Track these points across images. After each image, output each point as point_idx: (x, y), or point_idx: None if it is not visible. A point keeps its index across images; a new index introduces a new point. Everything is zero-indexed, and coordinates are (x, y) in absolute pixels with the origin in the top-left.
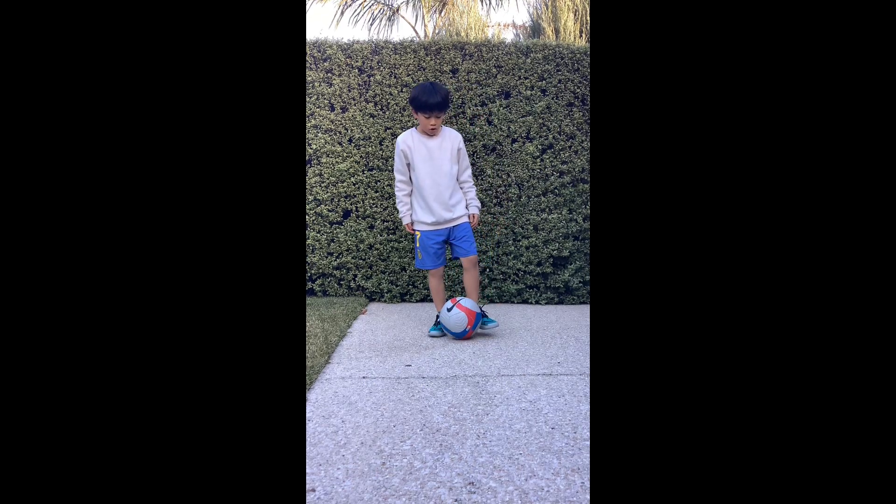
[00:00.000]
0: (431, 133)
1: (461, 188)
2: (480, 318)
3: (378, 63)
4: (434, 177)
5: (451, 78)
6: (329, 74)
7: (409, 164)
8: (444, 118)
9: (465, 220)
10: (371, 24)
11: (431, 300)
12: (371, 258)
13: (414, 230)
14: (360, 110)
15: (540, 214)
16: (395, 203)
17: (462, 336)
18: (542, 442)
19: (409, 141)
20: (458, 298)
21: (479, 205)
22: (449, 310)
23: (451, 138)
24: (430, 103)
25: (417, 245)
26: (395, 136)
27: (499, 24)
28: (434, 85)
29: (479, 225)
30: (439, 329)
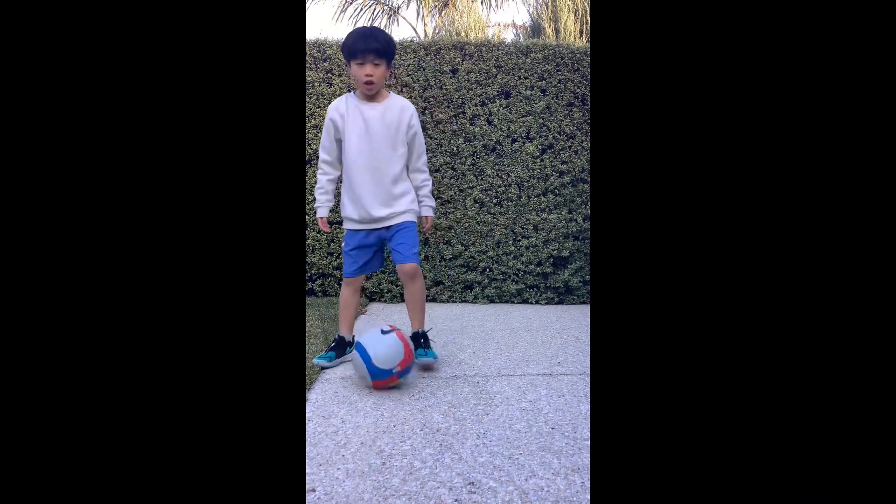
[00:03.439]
0: (367, 90)
1: (412, 180)
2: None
3: None
4: (370, 158)
5: (451, 78)
6: (329, 74)
7: (338, 140)
8: (384, 73)
9: (407, 218)
10: (371, 24)
11: (432, 300)
12: None
13: (329, 227)
14: None
15: (540, 214)
16: None
17: (382, 377)
18: (542, 442)
19: (341, 107)
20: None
21: (434, 205)
22: (384, 332)
23: (397, 109)
24: (359, 37)
25: (343, 246)
26: None
27: (499, 24)
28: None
29: (431, 231)
30: (329, 357)
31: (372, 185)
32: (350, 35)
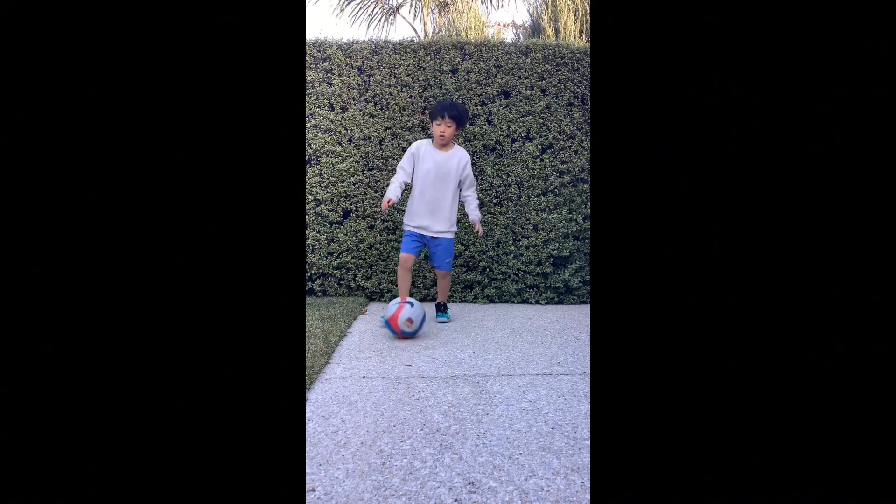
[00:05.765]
0: (440, 141)
1: (463, 198)
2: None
3: (378, 63)
4: (433, 190)
5: (450, 78)
6: (329, 74)
7: (413, 169)
8: (453, 132)
9: (449, 236)
10: (370, 24)
11: (432, 300)
12: (371, 258)
13: (388, 207)
14: (360, 110)
15: (540, 214)
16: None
17: (389, 317)
18: (542, 442)
19: (422, 148)
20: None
21: (479, 214)
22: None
23: (457, 158)
24: (442, 106)
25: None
26: (394, 136)
27: (499, 24)
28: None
29: (481, 233)
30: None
31: (436, 210)
32: (436, 104)
